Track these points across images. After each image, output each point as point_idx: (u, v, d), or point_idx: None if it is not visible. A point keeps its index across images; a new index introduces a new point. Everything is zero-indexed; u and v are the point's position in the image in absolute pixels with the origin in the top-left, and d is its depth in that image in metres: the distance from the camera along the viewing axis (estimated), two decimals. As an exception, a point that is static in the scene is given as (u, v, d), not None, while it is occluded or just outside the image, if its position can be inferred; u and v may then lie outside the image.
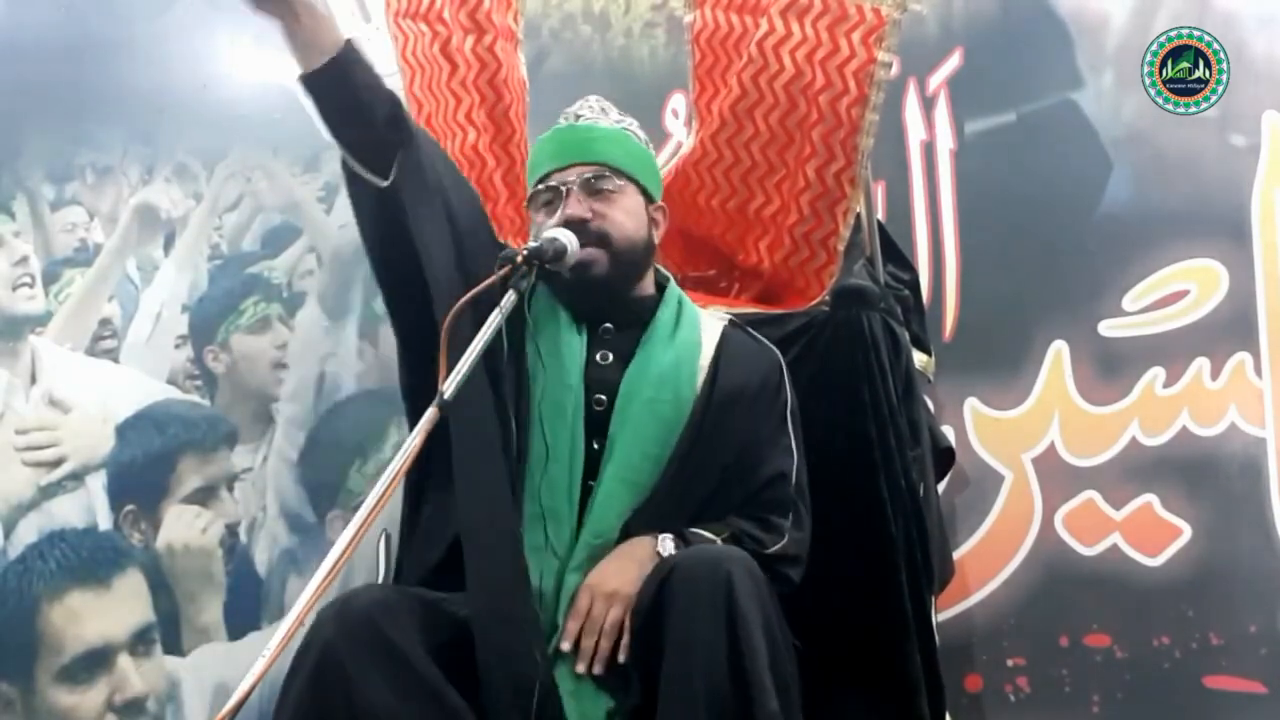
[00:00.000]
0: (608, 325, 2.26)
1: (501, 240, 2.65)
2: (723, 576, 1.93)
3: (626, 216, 2.27)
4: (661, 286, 2.36)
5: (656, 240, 2.36)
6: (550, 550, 2.10)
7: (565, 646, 2.03)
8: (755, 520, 2.19)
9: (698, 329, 2.30)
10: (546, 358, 2.19)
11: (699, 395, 2.22)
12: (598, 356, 2.23)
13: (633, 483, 2.16)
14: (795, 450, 2.27)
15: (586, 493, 2.15)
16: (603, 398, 2.19)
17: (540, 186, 2.30)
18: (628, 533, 2.14)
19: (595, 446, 2.17)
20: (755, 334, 2.37)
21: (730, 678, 1.88)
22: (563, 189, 2.25)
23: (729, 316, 2.39)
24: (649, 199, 2.34)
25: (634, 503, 2.15)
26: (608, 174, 2.27)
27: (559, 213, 2.24)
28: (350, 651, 1.89)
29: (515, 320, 2.09)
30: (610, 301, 2.27)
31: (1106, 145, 3.09)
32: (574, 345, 2.22)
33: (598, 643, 2.04)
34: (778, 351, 2.36)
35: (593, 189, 2.25)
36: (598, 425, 2.18)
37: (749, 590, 1.94)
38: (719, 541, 2.11)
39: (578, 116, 2.34)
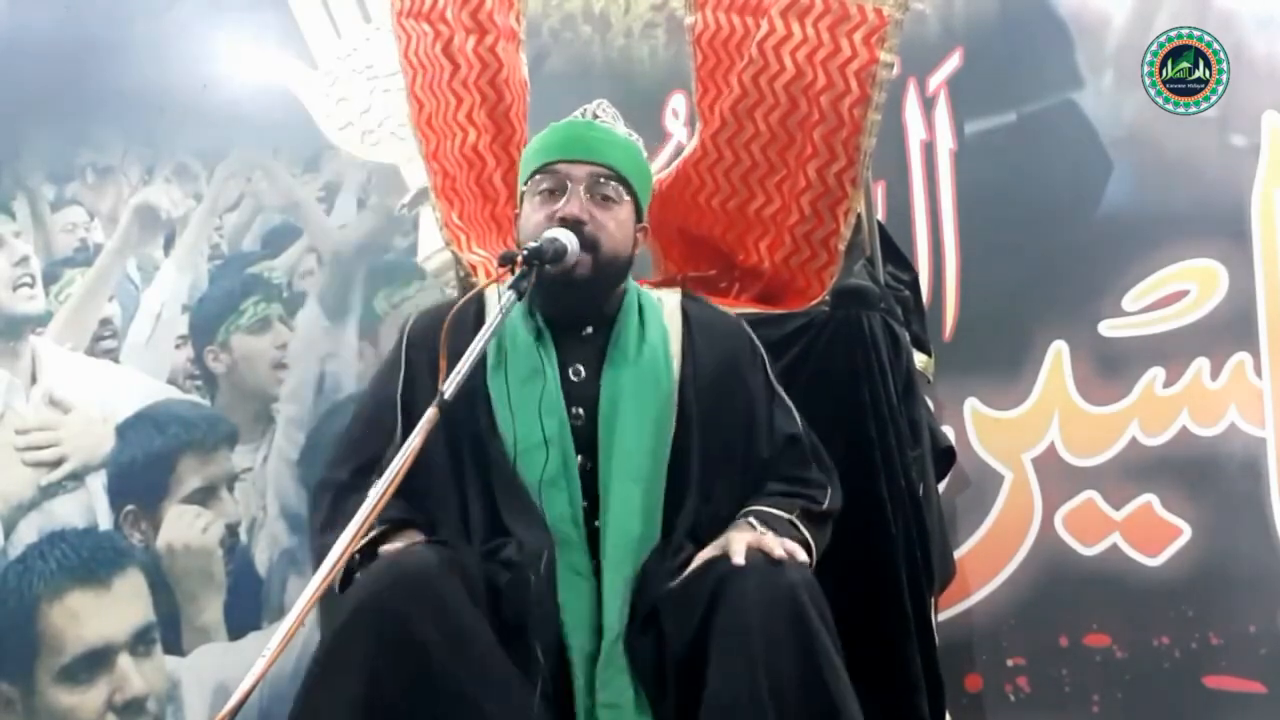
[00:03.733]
0: (588, 330, 2.24)
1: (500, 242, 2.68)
2: (785, 584, 1.95)
3: (618, 228, 2.23)
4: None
5: (633, 257, 2.32)
6: (573, 571, 2.09)
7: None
8: (792, 480, 2.20)
9: (662, 317, 2.29)
10: (523, 384, 2.17)
11: (681, 378, 2.21)
12: (570, 373, 2.21)
13: (643, 479, 2.14)
14: (790, 405, 2.28)
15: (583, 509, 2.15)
16: (580, 411, 2.18)
17: (544, 173, 2.25)
18: (669, 532, 2.12)
19: (580, 459, 2.15)
20: (710, 302, 2.37)
21: (802, 678, 1.92)
22: (568, 183, 2.22)
23: (679, 290, 2.38)
24: (638, 217, 2.31)
25: (646, 498, 2.13)
26: (614, 180, 2.24)
27: (560, 206, 2.20)
28: (406, 603, 1.90)
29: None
30: (587, 305, 2.24)
31: (1106, 145, 3.09)
32: (549, 367, 2.19)
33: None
34: (737, 316, 2.37)
35: (597, 192, 2.22)
36: (581, 441, 2.16)
37: (813, 599, 1.96)
38: (792, 518, 2.12)
39: (595, 116, 2.31)
